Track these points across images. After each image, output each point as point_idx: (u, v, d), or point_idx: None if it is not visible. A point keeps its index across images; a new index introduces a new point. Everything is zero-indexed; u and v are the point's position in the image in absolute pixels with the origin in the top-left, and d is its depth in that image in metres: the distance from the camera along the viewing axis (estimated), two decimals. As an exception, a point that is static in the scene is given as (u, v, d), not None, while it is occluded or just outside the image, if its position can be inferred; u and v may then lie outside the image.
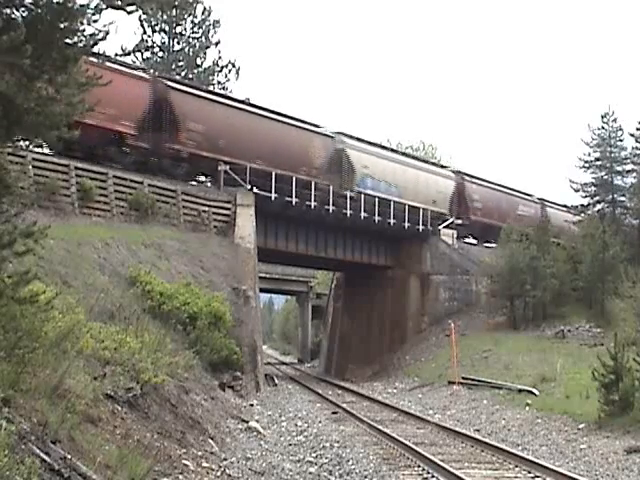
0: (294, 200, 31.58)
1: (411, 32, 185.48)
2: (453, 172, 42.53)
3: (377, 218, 35.31)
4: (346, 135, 36.22)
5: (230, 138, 29.62)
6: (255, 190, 29.91)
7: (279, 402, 22.12)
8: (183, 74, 42.78)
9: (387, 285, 39.31)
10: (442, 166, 43.69)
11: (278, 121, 32.76)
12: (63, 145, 25.64)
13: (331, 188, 33.30)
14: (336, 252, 36.58)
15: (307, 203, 32.25)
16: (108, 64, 25.13)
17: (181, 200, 27.33)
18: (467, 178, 42.44)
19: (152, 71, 28.91)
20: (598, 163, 40.83)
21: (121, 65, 26.06)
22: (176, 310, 19.34)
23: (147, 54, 43.95)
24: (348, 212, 34.01)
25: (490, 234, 40.16)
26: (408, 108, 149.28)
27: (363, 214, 34.70)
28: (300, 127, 33.77)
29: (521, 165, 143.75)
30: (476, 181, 42.94)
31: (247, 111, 31.68)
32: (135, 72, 27.97)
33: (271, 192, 30.45)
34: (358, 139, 36.86)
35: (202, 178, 29.89)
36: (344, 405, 21.43)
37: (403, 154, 42.65)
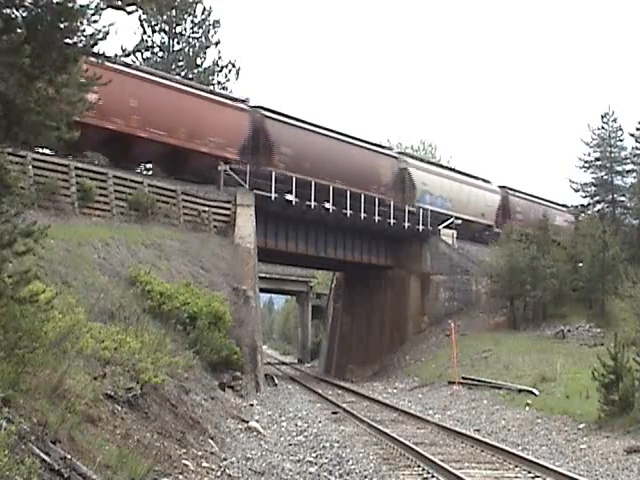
0: (294, 200, 31.59)
1: (411, 32, 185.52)
2: (499, 187, 45.18)
3: (377, 218, 35.32)
4: (408, 155, 40.80)
5: (315, 160, 33.03)
6: (289, 197, 30.29)
7: (279, 402, 22.12)
8: (183, 74, 42.74)
9: (387, 285, 39.31)
10: (487, 181, 45.58)
11: (352, 144, 36.24)
12: (175, 170, 28.83)
13: (392, 203, 36.53)
14: (336, 252, 36.57)
15: (307, 203, 32.28)
16: (215, 97, 30.93)
17: (181, 200, 27.34)
18: (510, 192, 45.30)
19: (248, 99, 32.80)
20: (598, 163, 40.87)
21: (225, 98, 31.83)
22: (176, 310, 19.33)
23: (147, 54, 43.92)
24: (348, 213, 34.04)
25: None
26: (408, 108, 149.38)
27: (363, 214, 34.71)
28: (370, 149, 37.48)
29: (521, 165, 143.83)
30: (518, 194, 45.76)
31: (328, 135, 34.98)
32: (237, 104, 31.71)
33: (346, 209, 33.93)
34: (419, 159, 41.21)
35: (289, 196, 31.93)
36: (344, 405, 21.42)
37: (456, 171, 44.45)
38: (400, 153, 41.00)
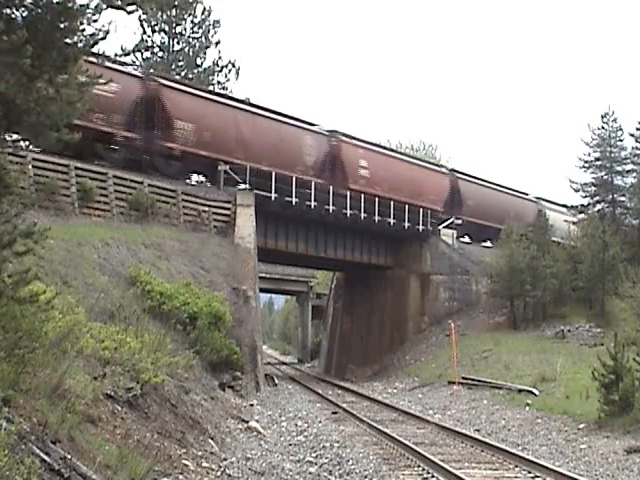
0: (294, 200, 31.61)
1: (411, 32, 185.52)
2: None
3: (377, 218, 35.32)
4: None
5: (487, 206, 42.23)
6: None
7: (279, 402, 22.12)
8: (183, 74, 42.78)
9: (387, 285, 39.32)
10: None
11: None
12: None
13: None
14: (336, 252, 36.58)
15: (307, 203, 32.30)
16: (422, 163, 40.97)
17: (181, 200, 27.33)
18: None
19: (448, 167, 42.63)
20: (598, 163, 40.82)
21: (428, 162, 42.10)
22: (176, 310, 19.33)
23: (147, 54, 43.93)
24: (348, 212, 34.04)
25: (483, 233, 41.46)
26: (408, 108, 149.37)
27: (363, 214, 34.72)
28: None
29: (521, 165, 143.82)
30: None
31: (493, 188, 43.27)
32: (438, 168, 41.97)
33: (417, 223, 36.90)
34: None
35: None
36: (344, 405, 21.42)
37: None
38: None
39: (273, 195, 30.66)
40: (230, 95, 31.97)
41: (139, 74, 29.02)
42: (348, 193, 33.68)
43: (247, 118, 30.87)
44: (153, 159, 27.56)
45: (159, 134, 27.58)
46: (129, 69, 28.71)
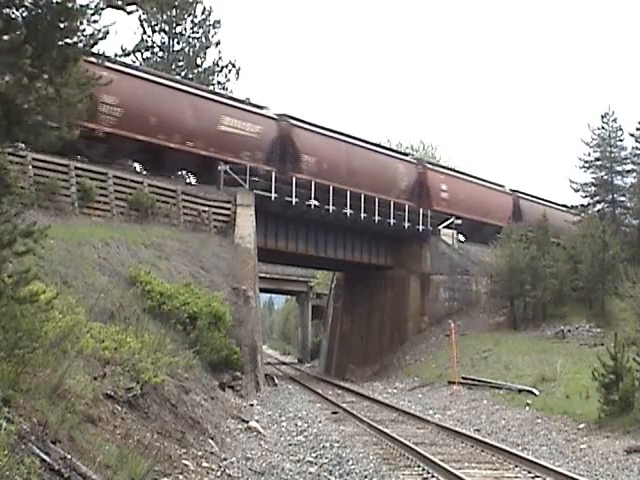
0: (294, 200, 31.61)
1: (411, 32, 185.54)
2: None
3: (377, 218, 35.33)
4: (519, 192, 45.13)
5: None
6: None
7: (279, 402, 22.12)
8: (183, 74, 42.77)
9: (387, 285, 39.30)
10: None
11: (486, 186, 43.24)
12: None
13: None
14: (336, 252, 36.56)
15: (307, 203, 32.31)
16: (490, 185, 43.66)
17: (181, 200, 27.33)
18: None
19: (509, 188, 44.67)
20: (598, 163, 40.82)
21: (494, 184, 43.81)
22: (176, 310, 19.33)
23: (147, 54, 43.94)
24: (348, 212, 34.06)
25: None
26: (408, 108, 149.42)
27: (363, 214, 34.72)
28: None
29: (521, 165, 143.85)
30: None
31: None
32: (501, 189, 44.21)
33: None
34: (527, 194, 45.41)
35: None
36: (344, 405, 21.42)
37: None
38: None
39: (273, 195, 30.67)
40: (342, 132, 36.01)
41: (275, 116, 32.76)
42: (428, 212, 37.76)
43: (355, 150, 35.66)
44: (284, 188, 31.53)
45: (290, 166, 31.98)
46: (270, 113, 32.68)
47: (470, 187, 41.73)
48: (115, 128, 26.08)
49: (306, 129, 33.55)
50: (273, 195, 30.67)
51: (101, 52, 8.47)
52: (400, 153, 38.50)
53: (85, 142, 22.69)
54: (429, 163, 40.32)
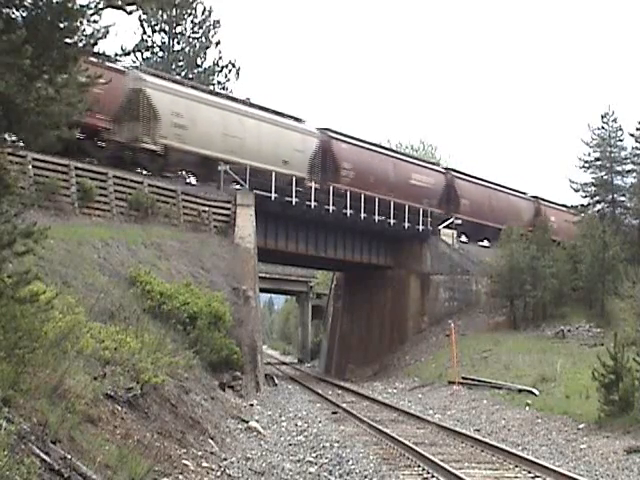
0: (294, 200, 31.61)
1: (411, 32, 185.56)
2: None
3: (377, 218, 35.33)
4: (541, 198, 46.50)
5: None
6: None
7: (279, 402, 22.12)
8: (183, 74, 42.77)
9: (387, 285, 39.30)
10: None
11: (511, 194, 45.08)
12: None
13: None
14: (336, 252, 36.56)
15: (307, 203, 32.32)
16: (513, 192, 45.00)
17: (181, 200, 27.33)
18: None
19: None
20: (598, 163, 40.78)
21: (517, 192, 45.36)
22: (176, 310, 19.33)
23: (147, 54, 43.97)
24: (348, 212, 34.09)
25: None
26: (408, 108, 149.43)
27: (363, 214, 34.74)
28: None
29: (521, 165, 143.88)
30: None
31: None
32: (525, 196, 45.65)
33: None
34: (549, 200, 46.51)
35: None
36: (344, 405, 21.42)
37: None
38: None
39: (273, 195, 30.67)
40: (380, 144, 39.99)
41: (316, 131, 34.97)
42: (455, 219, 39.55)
43: (388, 161, 38.06)
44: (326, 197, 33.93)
45: (330, 176, 34.12)
46: (308, 127, 34.89)
47: (494, 194, 42.95)
48: (350, 186, 34.41)
49: (344, 141, 35.74)
50: (273, 195, 30.67)
51: (101, 52, 8.44)
52: (431, 163, 41.14)
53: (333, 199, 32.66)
54: (456, 171, 42.69)
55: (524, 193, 46.55)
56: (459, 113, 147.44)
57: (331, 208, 33.30)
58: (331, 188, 33.45)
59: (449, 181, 40.96)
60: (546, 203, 46.40)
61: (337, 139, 35.10)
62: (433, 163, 43.05)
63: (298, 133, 33.19)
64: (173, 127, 27.82)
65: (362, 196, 34.44)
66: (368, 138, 39.29)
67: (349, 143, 35.64)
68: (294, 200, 31.56)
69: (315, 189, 32.81)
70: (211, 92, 32.04)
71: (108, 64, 26.30)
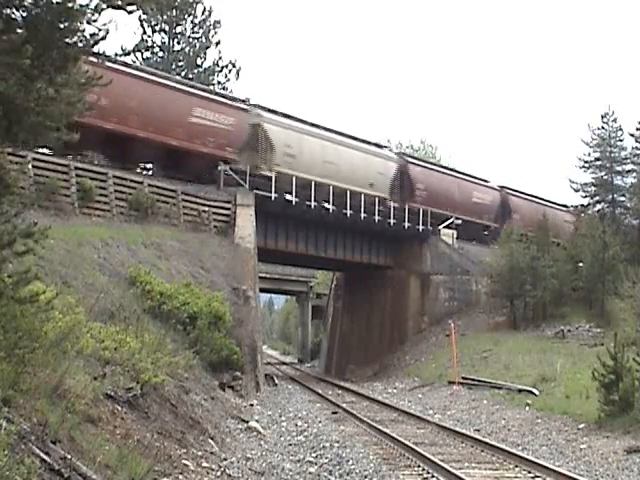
0: (294, 200, 31.63)
1: (411, 32, 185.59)
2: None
3: (377, 218, 35.33)
4: (577, 207, 45.01)
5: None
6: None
7: (279, 402, 22.12)
8: (183, 74, 42.75)
9: (387, 285, 39.29)
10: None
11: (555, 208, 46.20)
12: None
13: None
14: (336, 252, 36.55)
15: (307, 203, 32.33)
16: (557, 207, 45.63)
17: (181, 200, 27.33)
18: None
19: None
20: (598, 163, 40.86)
21: (558, 205, 46.24)
22: (176, 310, 19.33)
23: (147, 54, 43.93)
24: (348, 212, 34.11)
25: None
26: (408, 108, 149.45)
27: (363, 214, 34.74)
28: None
29: (521, 165, 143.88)
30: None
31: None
32: (566, 209, 45.81)
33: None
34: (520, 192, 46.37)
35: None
36: (344, 405, 21.42)
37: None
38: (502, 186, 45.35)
39: (273, 195, 30.69)
40: (446, 165, 43.32)
41: (394, 155, 39.29)
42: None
43: (454, 181, 41.10)
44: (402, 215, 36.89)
45: (406, 196, 37.50)
46: (388, 153, 39.12)
47: (540, 208, 43.93)
48: (423, 205, 37.85)
49: (418, 165, 39.84)
50: (273, 195, 30.69)
51: (101, 52, 8.43)
52: (483, 180, 43.96)
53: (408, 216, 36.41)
54: (509, 189, 45.11)
55: (486, 181, 45.04)
56: (459, 113, 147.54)
57: (331, 208, 33.29)
58: (406, 207, 37.05)
59: (503, 197, 43.95)
60: (512, 191, 45.33)
61: (412, 163, 39.48)
62: (487, 181, 45.18)
63: (381, 158, 37.28)
64: (284, 156, 31.86)
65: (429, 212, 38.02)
66: (369, 138, 39.50)
67: (422, 166, 39.85)
68: (294, 200, 31.54)
69: (394, 208, 36.55)
70: (313, 124, 35.09)
71: (236, 104, 31.24)
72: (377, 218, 35.31)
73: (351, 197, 33.93)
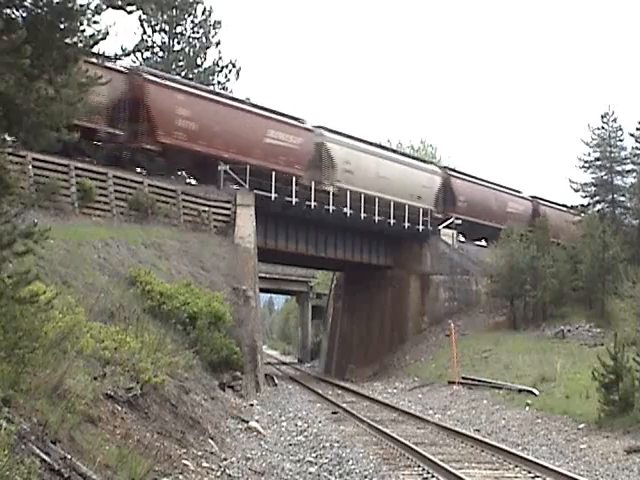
0: (294, 200, 31.63)
1: (411, 32, 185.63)
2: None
3: (377, 218, 35.34)
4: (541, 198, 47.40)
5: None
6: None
7: (279, 402, 22.12)
8: (183, 74, 42.74)
9: (387, 285, 39.28)
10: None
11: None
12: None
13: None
14: (336, 252, 36.55)
15: (307, 203, 32.34)
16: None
17: (181, 200, 27.32)
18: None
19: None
20: (598, 163, 40.84)
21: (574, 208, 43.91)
22: (176, 310, 19.32)
23: (147, 54, 43.93)
24: (348, 212, 34.13)
25: (477, 232, 42.14)
26: (408, 108, 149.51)
27: (363, 214, 34.74)
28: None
29: (521, 165, 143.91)
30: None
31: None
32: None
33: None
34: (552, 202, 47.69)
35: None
36: (344, 405, 21.42)
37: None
38: (534, 196, 47.02)
39: (273, 195, 30.71)
40: (482, 177, 44.23)
41: (438, 169, 41.32)
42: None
43: (491, 192, 43.32)
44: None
45: (449, 207, 40.13)
46: (433, 167, 41.37)
47: (564, 215, 44.99)
48: (464, 215, 40.01)
49: (458, 177, 42.03)
50: (273, 195, 30.70)
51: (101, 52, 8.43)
52: (515, 191, 45.82)
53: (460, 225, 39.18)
54: (540, 199, 46.91)
55: (519, 191, 47.22)
56: (459, 113, 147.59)
57: (331, 208, 33.29)
58: (450, 217, 39.66)
59: (535, 207, 45.77)
60: (542, 202, 46.95)
61: (455, 176, 41.76)
62: (519, 192, 46.95)
63: (427, 173, 39.90)
64: (344, 172, 34.58)
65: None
66: (368, 138, 39.68)
67: (463, 179, 42.16)
68: (294, 200, 31.56)
69: (439, 219, 39.30)
70: (368, 142, 38.41)
71: (303, 125, 33.85)
72: (377, 218, 35.31)
73: (395, 208, 36.10)
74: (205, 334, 19.48)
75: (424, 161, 42.48)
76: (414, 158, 41.51)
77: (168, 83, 28.76)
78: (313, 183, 32.52)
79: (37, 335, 8.38)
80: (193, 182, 29.99)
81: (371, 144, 38.48)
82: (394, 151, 40.04)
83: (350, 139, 36.16)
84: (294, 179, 31.47)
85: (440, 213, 39.58)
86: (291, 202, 31.55)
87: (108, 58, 9.49)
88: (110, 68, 25.48)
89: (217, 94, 32.00)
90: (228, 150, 29.40)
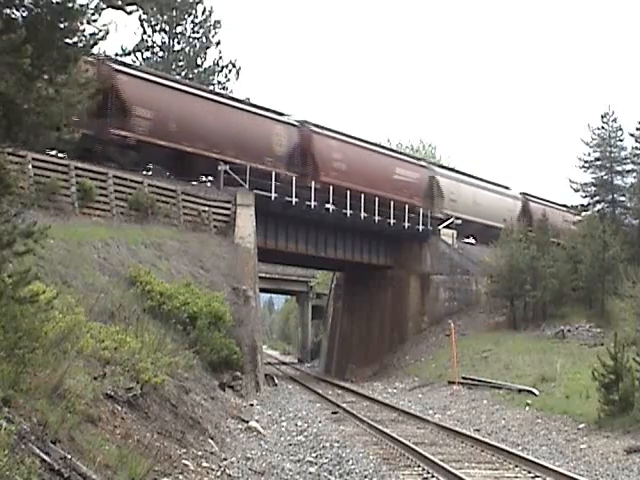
0: (294, 200, 31.64)
1: (411, 32, 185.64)
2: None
3: (377, 218, 35.35)
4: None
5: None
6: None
7: (279, 402, 22.11)
8: (183, 74, 42.75)
9: (387, 285, 39.28)
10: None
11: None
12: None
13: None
14: (336, 252, 36.55)
15: (307, 203, 32.36)
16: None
17: (181, 200, 27.31)
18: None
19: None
20: (598, 163, 40.80)
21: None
22: (176, 310, 19.31)
23: (147, 54, 43.93)
24: (348, 212, 34.15)
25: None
26: (408, 108, 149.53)
27: (363, 214, 34.75)
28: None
29: (521, 165, 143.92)
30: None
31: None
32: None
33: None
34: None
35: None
36: (344, 405, 21.42)
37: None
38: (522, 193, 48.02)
39: (273, 195, 30.71)
40: (554, 201, 47.15)
41: (519, 195, 45.58)
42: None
43: (560, 213, 45.31)
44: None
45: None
46: (516, 194, 45.61)
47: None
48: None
49: (534, 201, 46.05)
50: (273, 195, 30.71)
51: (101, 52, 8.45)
52: (504, 187, 46.45)
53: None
54: (529, 195, 47.27)
55: (507, 188, 47.29)
56: (459, 113, 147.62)
57: (331, 208, 33.28)
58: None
59: (524, 203, 46.03)
60: (531, 197, 47.33)
61: (531, 200, 45.99)
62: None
63: (509, 198, 44.66)
64: (450, 201, 40.31)
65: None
66: (368, 138, 39.77)
67: (538, 203, 46.01)
68: (294, 200, 31.57)
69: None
70: (466, 174, 43.60)
71: (420, 162, 40.82)
72: (377, 218, 35.31)
73: (490, 231, 39.80)
74: (205, 334, 19.47)
75: (507, 187, 46.24)
76: (500, 186, 45.71)
77: (326, 132, 34.83)
78: (429, 212, 38.46)
79: (37, 335, 8.37)
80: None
81: (469, 175, 43.77)
82: (487, 181, 44.70)
83: (453, 172, 43.05)
84: (414, 208, 37.43)
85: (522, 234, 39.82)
86: (291, 202, 31.56)
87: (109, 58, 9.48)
88: (287, 123, 33.31)
89: (357, 139, 37.32)
90: (367, 185, 35.08)
